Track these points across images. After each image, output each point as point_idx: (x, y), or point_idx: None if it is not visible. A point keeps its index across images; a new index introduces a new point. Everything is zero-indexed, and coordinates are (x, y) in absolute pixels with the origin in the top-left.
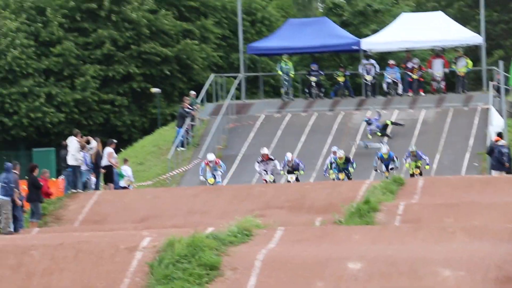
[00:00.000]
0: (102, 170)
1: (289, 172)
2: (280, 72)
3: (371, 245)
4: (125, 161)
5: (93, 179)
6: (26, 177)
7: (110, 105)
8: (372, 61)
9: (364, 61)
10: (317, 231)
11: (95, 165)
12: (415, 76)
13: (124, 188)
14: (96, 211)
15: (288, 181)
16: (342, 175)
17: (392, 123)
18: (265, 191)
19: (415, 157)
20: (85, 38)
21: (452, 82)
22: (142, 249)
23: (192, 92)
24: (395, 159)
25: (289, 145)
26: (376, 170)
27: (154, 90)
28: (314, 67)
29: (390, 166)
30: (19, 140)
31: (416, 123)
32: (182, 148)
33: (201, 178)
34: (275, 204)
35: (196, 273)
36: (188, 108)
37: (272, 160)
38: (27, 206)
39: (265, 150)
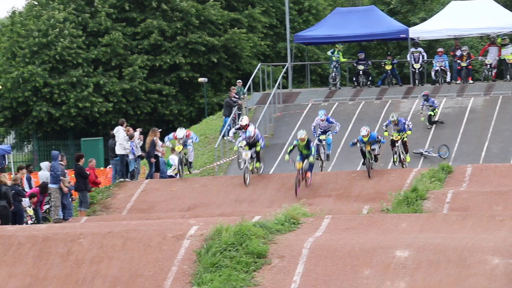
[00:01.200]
0: (153, 160)
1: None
2: (333, 58)
3: (419, 233)
4: (173, 150)
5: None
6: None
7: (157, 94)
8: (420, 49)
9: (412, 49)
10: (365, 219)
11: (148, 154)
12: (464, 64)
13: (171, 177)
14: (143, 199)
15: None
16: (300, 164)
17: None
18: (312, 179)
19: (397, 125)
20: (133, 28)
21: (500, 70)
22: (189, 238)
23: (239, 81)
24: (379, 138)
25: (336, 134)
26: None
27: (201, 79)
28: (361, 55)
29: (372, 147)
30: (68, 130)
31: (465, 111)
32: (229, 137)
33: (167, 142)
34: (323, 193)
35: (244, 261)
36: (235, 97)
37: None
38: (75, 195)
39: (244, 121)
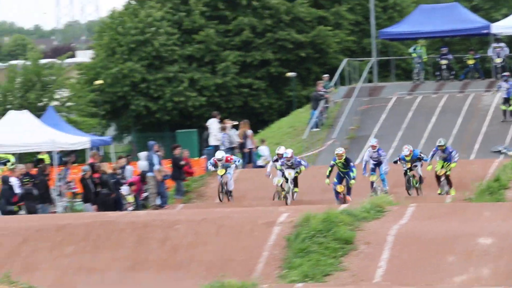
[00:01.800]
0: (246, 150)
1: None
2: (415, 54)
3: (501, 221)
4: (262, 141)
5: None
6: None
7: (248, 88)
8: (502, 44)
9: (494, 44)
10: (448, 208)
11: (241, 145)
12: None
13: (261, 167)
14: (236, 188)
15: (286, 178)
16: (341, 188)
17: None
18: (397, 169)
19: (444, 152)
20: (226, 25)
21: None
22: (279, 224)
23: (326, 76)
24: (421, 156)
25: (420, 126)
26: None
27: (290, 74)
28: (444, 50)
29: (414, 164)
30: (164, 122)
31: None
32: (317, 129)
33: (211, 168)
34: None
35: (332, 247)
36: (322, 91)
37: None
38: (171, 184)
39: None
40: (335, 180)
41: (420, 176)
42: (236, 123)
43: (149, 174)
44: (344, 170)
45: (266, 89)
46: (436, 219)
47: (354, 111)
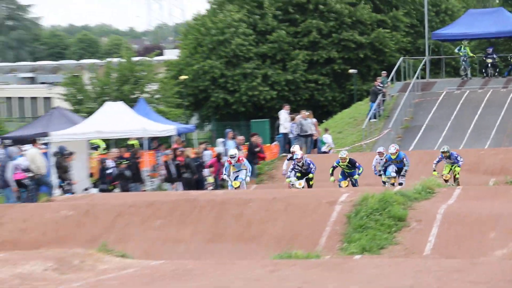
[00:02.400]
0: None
1: (299, 175)
2: (460, 53)
3: None
4: (326, 130)
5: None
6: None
7: (314, 83)
8: None
9: None
10: (491, 190)
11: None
12: None
13: (325, 153)
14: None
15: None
16: (345, 183)
17: None
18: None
19: (449, 159)
20: (295, 27)
21: None
22: (340, 203)
23: (384, 72)
24: (405, 161)
25: (467, 118)
26: (379, 175)
27: (352, 71)
28: (489, 50)
29: (402, 172)
30: (240, 113)
31: None
32: (374, 120)
33: (225, 177)
34: None
35: (386, 223)
36: (380, 86)
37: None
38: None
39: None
40: (340, 176)
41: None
42: (308, 113)
43: (225, 158)
44: (349, 170)
45: (330, 84)
46: (480, 200)
47: (408, 104)
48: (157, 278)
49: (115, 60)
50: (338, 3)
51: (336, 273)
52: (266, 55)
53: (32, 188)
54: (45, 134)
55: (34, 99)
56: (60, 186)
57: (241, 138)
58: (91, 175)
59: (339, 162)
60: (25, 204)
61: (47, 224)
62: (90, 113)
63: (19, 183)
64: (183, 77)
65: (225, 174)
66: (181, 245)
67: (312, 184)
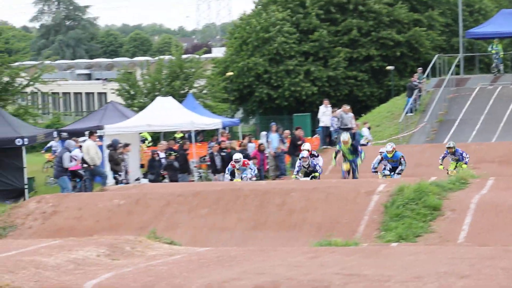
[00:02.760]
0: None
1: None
2: (493, 51)
3: None
4: (365, 123)
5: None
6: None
7: (353, 80)
8: None
9: None
10: None
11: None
12: None
13: (363, 145)
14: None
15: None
16: (347, 166)
17: None
18: (479, 148)
19: (454, 155)
20: (335, 26)
21: None
22: (378, 193)
23: (419, 69)
24: (402, 160)
25: (499, 112)
26: (375, 172)
27: (389, 67)
28: None
29: (397, 170)
30: (282, 107)
31: None
32: (411, 114)
33: (227, 176)
34: (488, 159)
35: (422, 212)
36: (416, 82)
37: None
38: (288, 159)
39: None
40: (344, 159)
41: None
42: (348, 107)
43: (268, 151)
44: (351, 156)
45: (369, 80)
46: None
47: (443, 99)
48: (203, 264)
49: (165, 57)
50: (376, 3)
51: (373, 260)
52: (308, 53)
53: (87, 178)
54: (99, 127)
55: (89, 94)
56: (114, 177)
57: (287, 132)
58: (142, 166)
59: (341, 145)
60: (80, 194)
61: (101, 213)
62: (141, 107)
63: (74, 173)
64: (229, 73)
65: (227, 174)
66: (226, 233)
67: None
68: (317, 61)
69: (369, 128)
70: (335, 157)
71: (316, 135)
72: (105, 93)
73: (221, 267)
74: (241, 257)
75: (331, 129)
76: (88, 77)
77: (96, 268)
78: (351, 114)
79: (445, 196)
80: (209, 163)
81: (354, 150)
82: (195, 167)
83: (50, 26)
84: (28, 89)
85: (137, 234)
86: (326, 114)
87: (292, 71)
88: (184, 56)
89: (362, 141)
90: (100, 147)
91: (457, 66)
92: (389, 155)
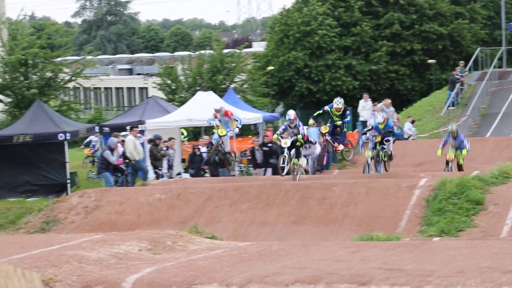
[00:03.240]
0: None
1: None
2: None
3: None
4: (408, 117)
5: None
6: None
7: (395, 74)
8: None
9: None
10: None
11: None
12: None
13: (405, 139)
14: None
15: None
16: (325, 129)
17: None
18: None
19: (455, 140)
20: (377, 20)
21: None
22: (420, 188)
23: (461, 62)
24: (393, 128)
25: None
26: (365, 140)
27: (431, 61)
28: None
29: (386, 139)
30: (323, 102)
31: None
32: (453, 108)
33: (212, 123)
34: None
35: (464, 207)
36: (458, 75)
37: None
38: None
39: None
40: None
41: (391, 152)
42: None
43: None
44: (338, 119)
45: (410, 74)
46: None
47: (486, 92)
48: (244, 258)
49: (206, 52)
50: None
51: (415, 255)
52: (350, 47)
53: (129, 173)
54: (140, 122)
55: (130, 89)
56: (155, 172)
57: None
58: (183, 160)
59: (332, 106)
60: (122, 188)
61: (142, 207)
62: (182, 102)
63: (116, 168)
64: (270, 67)
65: (209, 121)
66: (267, 227)
67: (300, 146)
68: (358, 55)
69: (412, 122)
70: (316, 116)
71: (356, 130)
72: (146, 88)
73: (262, 262)
74: (282, 251)
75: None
76: (130, 72)
77: (138, 263)
78: (392, 108)
79: (488, 190)
80: (249, 157)
81: (343, 113)
82: (235, 161)
83: (92, 21)
84: (70, 84)
85: (178, 228)
86: (366, 109)
87: (333, 65)
88: (225, 51)
89: (406, 135)
90: (142, 142)
91: (500, 59)
92: (381, 126)
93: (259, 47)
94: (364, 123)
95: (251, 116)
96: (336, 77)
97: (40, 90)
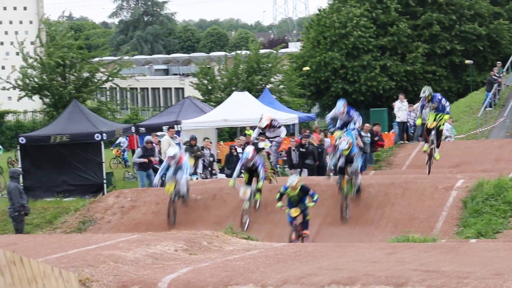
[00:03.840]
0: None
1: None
2: None
3: None
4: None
5: None
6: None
7: (432, 74)
8: None
9: None
10: None
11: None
12: None
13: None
14: (419, 158)
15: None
16: (296, 212)
17: None
18: None
19: (432, 102)
20: (415, 21)
21: None
22: (456, 189)
23: (499, 63)
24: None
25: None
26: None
27: (468, 61)
28: None
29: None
30: (359, 102)
31: None
32: (490, 109)
33: (157, 178)
34: None
35: (502, 208)
36: (496, 76)
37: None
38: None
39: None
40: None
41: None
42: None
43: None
44: (301, 205)
45: (447, 75)
46: None
47: None
48: (280, 259)
49: (243, 52)
50: None
51: (452, 256)
52: (386, 47)
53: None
54: (177, 122)
55: (166, 89)
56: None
57: (367, 126)
58: (219, 161)
59: (288, 189)
60: (158, 189)
61: (178, 207)
62: (218, 102)
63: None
64: (306, 68)
65: (160, 174)
66: None
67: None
68: (394, 56)
69: (452, 122)
70: (279, 198)
71: (392, 130)
72: (182, 88)
73: (298, 263)
74: (317, 252)
75: (408, 124)
76: (166, 72)
77: (174, 263)
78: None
79: None
80: (285, 158)
81: (305, 193)
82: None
83: (129, 22)
84: (107, 85)
85: (214, 229)
86: (402, 109)
87: (368, 65)
88: (261, 51)
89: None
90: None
91: None
92: (346, 153)
93: (295, 47)
94: (401, 124)
95: (287, 116)
96: (372, 77)
97: (77, 90)
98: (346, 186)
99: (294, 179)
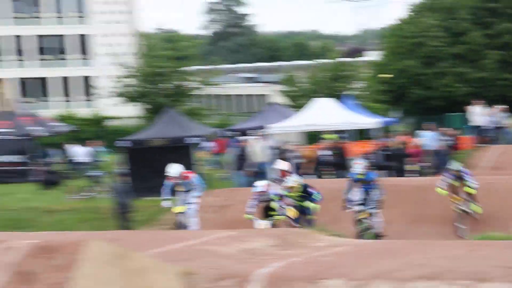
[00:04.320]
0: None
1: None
2: None
3: None
4: None
5: None
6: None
7: (505, 81)
8: None
9: None
10: None
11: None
12: None
13: None
14: (500, 160)
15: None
16: (292, 212)
17: None
18: None
19: (459, 178)
20: (487, 30)
21: None
22: None
23: None
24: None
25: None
26: (345, 209)
27: None
28: None
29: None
30: (435, 107)
31: None
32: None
33: (163, 204)
34: None
35: None
36: None
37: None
38: None
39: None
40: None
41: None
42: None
43: (426, 148)
44: (304, 205)
45: None
46: None
47: None
48: (365, 255)
49: (324, 61)
50: None
51: None
52: (460, 55)
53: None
54: (262, 127)
55: (252, 96)
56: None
57: (447, 130)
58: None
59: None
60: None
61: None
62: (302, 108)
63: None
64: (386, 75)
65: (165, 194)
66: (387, 226)
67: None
68: (468, 63)
69: None
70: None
71: (469, 134)
72: (267, 95)
73: (383, 259)
74: (402, 249)
75: (484, 128)
76: (252, 80)
77: (268, 258)
78: (503, 114)
79: None
80: (373, 160)
81: (305, 193)
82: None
83: (217, 33)
84: (198, 92)
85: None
86: (476, 114)
87: (441, 73)
88: (341, 60)
89: None
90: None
91: None
92: (360, 177)
93: (373, 56)
94: (476, 128)
95: (369, 121)
96: (447, 84)
97: (171, 97)
98: None
99: (289, 180)
